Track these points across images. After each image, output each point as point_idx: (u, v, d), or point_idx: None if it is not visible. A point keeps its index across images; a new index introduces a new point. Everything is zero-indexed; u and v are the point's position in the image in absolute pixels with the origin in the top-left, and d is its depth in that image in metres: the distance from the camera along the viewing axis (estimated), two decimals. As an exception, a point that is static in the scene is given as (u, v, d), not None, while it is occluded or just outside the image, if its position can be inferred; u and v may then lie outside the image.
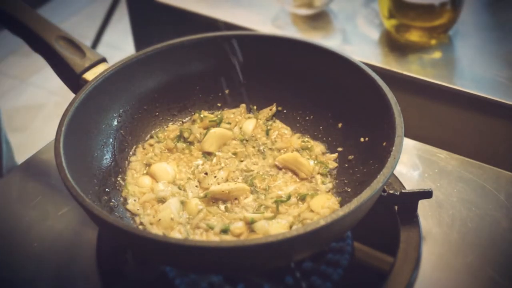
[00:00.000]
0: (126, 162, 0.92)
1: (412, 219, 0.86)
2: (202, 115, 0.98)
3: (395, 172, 0.90)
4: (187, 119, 1.00)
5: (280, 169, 0.91)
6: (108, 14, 2.53)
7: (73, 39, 0.94)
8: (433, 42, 1.29)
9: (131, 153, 0.93)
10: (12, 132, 2.34)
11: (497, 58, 1.24)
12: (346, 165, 0.90)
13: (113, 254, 0.86)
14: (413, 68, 1.22)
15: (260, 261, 0.72)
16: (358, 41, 1.33)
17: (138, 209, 0.84)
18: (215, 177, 0.88)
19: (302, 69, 0.96)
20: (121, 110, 0.94)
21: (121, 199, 0.86)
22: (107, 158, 0.89)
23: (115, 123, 0.93)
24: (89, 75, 0.90)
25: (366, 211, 0.74)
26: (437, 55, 1.27)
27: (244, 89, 1.00)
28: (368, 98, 0.86)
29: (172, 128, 0.98)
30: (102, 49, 2.60)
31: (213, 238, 0.79)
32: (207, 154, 0.93)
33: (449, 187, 0.93)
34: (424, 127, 1.23)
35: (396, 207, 0.87)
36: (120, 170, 0.90)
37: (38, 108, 2.53)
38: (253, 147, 0.95)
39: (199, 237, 0.80)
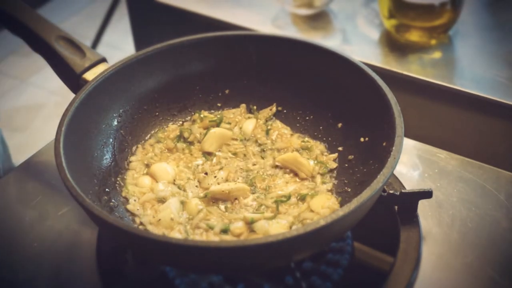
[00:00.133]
0: (126, 162, 0.92)
1: (412, 219, 0.86)
2: (202, 115, 0.98)
3: (395, 172, 0.90)
4: (187, 119, 1.00)
5: (280, 169, 0.91)
6: (108, 14, 2.53)
7: (73, 39, 0.94)
8: (433, 42, 1.29)
9: (131, 153, 0.93)
10: (12, 132, 2.35)
11: (497, 58, 1.24)
12: (346, 165, 0.90)
13: (113, 254, 0.86)
14: (413, 68, 1.22)
15: (260, 261, 0.72)
16: (358, 41, 1.33)
17: (138, 209, 0.84)
18: (215, 177, 0.88)
19: (302, 69, 0.96)
20: (121, 110, 0.94)
21: (121, 199, 0.86)
22: (107, 158, 0.89)
23: (115, 123, 0.93)
24: (89, 75, 0.90)
25: (366, 211, 0.74)
26: (437, 55, 1.27)
27: (244, 89, 1.00)
28: (368, 98, 0.86)
29: (172, 128, 0.98)
30: (102, 49, 2.60)
31: (213, 238, 0.79)
32: (207, 154, 0.93)
33: (449, 187, 0.93)
34: (424, 127, 1.23)
35: (396, 207, 0.87)
36: (120, 170, 0.90)
37: (38, 108, 2.53)
38: (253, 147, 0.95)
39: (199, 237, 0.80)
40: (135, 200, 0.85)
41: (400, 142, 0.76)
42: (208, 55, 0.98)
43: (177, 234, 0.80)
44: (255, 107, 1.00)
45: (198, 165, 0.92)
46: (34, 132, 2.39)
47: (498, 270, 0.81)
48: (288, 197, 0.85)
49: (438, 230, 0.87)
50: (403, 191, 0.86)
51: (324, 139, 0.95)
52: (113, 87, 0.91)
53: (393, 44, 1.30)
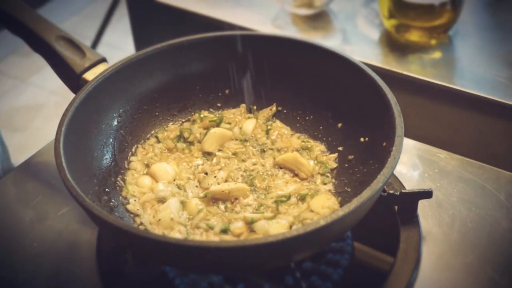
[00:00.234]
0: (126, 162, 0.92)
1: (412, 219, 0.86)
2: (202, 115, 0.98)
3: (395, 172, 0.90)
4: (187, 119, 1.00)
5: (280, 169, 0.91)
6: (108, 14, 2.53)
7: (73, 39, 0.94)
8: (433, 42, 1.29)
9: (131, 153, 0.93)
10: (12, 132, 2.35)
11: (497, 58, 1.24)
12: (346, 165, 0.90)
13: (113, 254, 0.86)
14: (413, 68, 1.22)
15: (260, 261, 0.72)
16: (358, 41, 1.33)
17: (138, 209, 0.84)
18: (215, 177, 0.88)
19: (302, 69, 0.96)
20: (121, 110, 0.94)
21: (121, 199, 0.86)
22: (107, 158, 0.89)
23: (115, 123, 0.93)
24: (89, 75, 0.90)
25: (366, 211, 0.74)
26: (437, 55, 1.27)
27: (244, 89, 1.00)
28: (368, 98, 0.86)
29: (172, 128, 0.98)
30: (102, 49, 2.60)
31: (213, 238, 0.79)
32: (207, 154, 0.93)
33: (449, 187, 0.93)
34: (424, 127, 1.23)
35: (396, 207, 0.87)
36: (120, 170, 0.90)
37: (38, 108, 2.53)
38: (253, 147, 0.95)
39: (199, 237, 0.80)
40: (135, 200, 0.85)
41: (400, 142, 0.76)
42: (208, 55, 0.98)
43: (177, 234, 0.80)
44: (255, 107, 1.00)
45: (198, 165, 0.92)
46: (34, 132, 2.39)
47: (498, 270, 0.81)
48: (288, 197, 0.85)
49: (438, 230, 0.87)
50: (403, 191, 0.86)
51: (324, 139, 0.95)
52: (113, 87, 0.91)
53: (393, 44, 1.30)
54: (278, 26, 1.39)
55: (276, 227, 0.79)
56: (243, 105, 1.00)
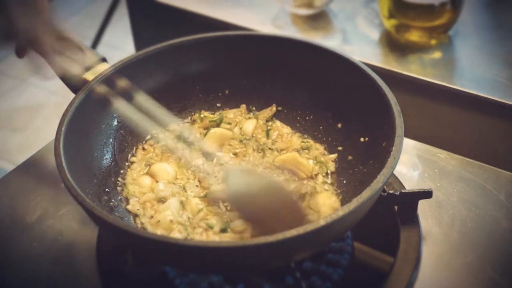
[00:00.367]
0: (126, 162, 0.92)
1: (412, 219, 0.86)
2: (202, 115, 0.98)
3: (395, 172, 0.90)
4: (187, 119, 1.00)
5: (280, 169, 0.91)
6: (108, 14, 2.53)
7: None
8: (433, 42, 1.29)
9: (131, 153, 0.93)
10: (12, 132, 2.35)
11: (497, 58, 1.24)
12: (346, 165, 0.90)
13: (113, 254, 0.86)
14: (413, 68, 1.22)
15: (260, 261, 0.72)
16: (358, 41, 1.33)
17: (138, 209, 0.84)
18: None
19: (302, 69, 0.96)
20: (121, 110, 0.94)
21: (121, 199, 0.86)
22: (107, 158, 0.89)
23: (115, 123, 0.93)
24: (89, 75, 0.90)
25: (366, 211, 0.74)
26: (437, 55, 1.27)
27: (244, 89, 1.00)
28: (368, 98, 0.86)
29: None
30: (102, 49, 2.59)
31: (213, 237, 0.79)
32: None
33: (449, 187, 0.93)
34: (424, 127, 1.23)
35: (396, 207, 0.87)
36: (120, 170, 0.90)
37: (38, 108, 2.53)
38: (253, 147, 0.95)
39: (199, 236, 0.80)
40: (135, 200, 0.85)
41: (400, 142, 0.76)
42: (208, 55, 0.98)
43: (177, 234, 0.80)
44: (254, 108, 1.00)
45: (198, 165, 0.91)
46: (34, 132, 2.39)
47: (498, 270, 0.81)
48: None
49: (438, 230, 0.87)
50: (403, 191, 0.86)
51: (324, 139, 0.95)
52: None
53: (393, 44, 1.30)
54: (278, 26, 1.39)
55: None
56: (243, 105, 1.00)
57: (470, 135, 1.21)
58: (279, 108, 1.00)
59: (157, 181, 0.88)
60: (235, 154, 0.93)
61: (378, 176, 0.71)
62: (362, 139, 0.89)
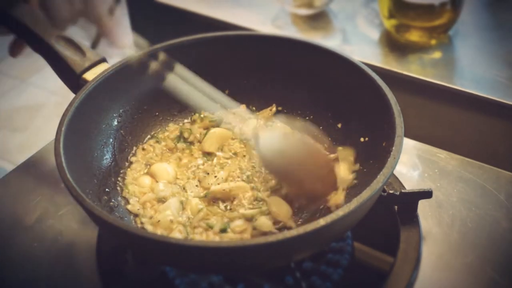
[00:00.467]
0: (126, 162, 0.92)
1: (412, 219, 0.86)
2: (202, 115, 0.98)
3: (395, 172, 0.90)
4: (187, 119, 1.00)
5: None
6: (108, 14, 2.53)
7: (73, 39, 0.94)
8: (433, 42, 1.29)
9: (131, 153, 0.93)
10: (12, 132, 2.35)
11: (497, 58, 1.24)
12: (346, 165, 0.90)
13: (113, 254, 0.86)
14: (413, 68, 1.22)
15: (260, 261, 0.72)
16: (358, 41, 1.33)
17: (138, 209, 0.84)
18: (215, 177, 0.88)
19: (302, 69, 0.96)
20: (121, 110, 0.94)
21: (121, 199, 0.86)
22: (107, 158, 0.89)
23: (115, 123, 0.93)
24: (89, 75, 0.90)
25: (366, 211, 0.74)
26: (437, 55, 1.27)
27: (244, 89, 1.00)
28: (368, 98, 0.86)
29: (172, 128, 0.98)
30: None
31: (213, 237, 0.79)
32: (207, 154, 0.93)
33: (449, 187, 0.93)
34: (424, 127, 1.23)
35: (396, 207, 0.87)
36: (120, 170, 0.90)
37: (38, 108, 2.53)
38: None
39: (199, 236, 0.80)
40: (135, 200, 0.85)
41: (400, 142, 0.76)
42: (208, 55, 0.98)
43: (177, 234, 0.80)
44: (254, 108, 1.00)
45: (198, 165, 0.92)
46: (34, 132, 2.39)
47: (498, 270, 0.81)
48: None
49: (438, 230, 0.87)
50: (403, 191, 0.86)
51: (324, 139, 0.95)
52: (113, 87, 0.91)
53: (393, 44, 1.30)
54: (278, 26, 1.39)
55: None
56: (243, 105, 1.00)
57: (470, 135, 1.21)
58: (279, 108, 1.00)
59: (157, 181, 0.88)
60: (235, 154, 0.93)
61: (378, 176, 0.71)
62: (362, 139, 0.89)
